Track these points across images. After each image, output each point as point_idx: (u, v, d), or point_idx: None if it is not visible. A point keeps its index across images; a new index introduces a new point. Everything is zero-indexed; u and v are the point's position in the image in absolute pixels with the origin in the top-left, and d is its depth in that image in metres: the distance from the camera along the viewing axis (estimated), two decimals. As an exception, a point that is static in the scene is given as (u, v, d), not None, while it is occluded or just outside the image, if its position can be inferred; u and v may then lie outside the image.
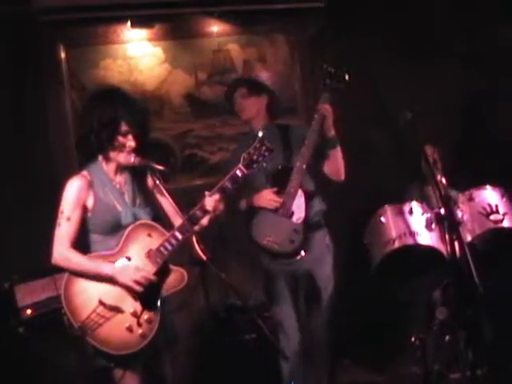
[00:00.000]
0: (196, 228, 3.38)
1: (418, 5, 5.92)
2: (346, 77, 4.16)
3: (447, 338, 4.39)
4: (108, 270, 3.26)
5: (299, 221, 4.18)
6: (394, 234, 4.22)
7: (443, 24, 5.98)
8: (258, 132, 3.81)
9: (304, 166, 4.16)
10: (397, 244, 4.18)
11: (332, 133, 4.21)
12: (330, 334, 4.38)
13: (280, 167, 4.28)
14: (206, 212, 3.38)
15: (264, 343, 4.45)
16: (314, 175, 4.37)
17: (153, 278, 3.29)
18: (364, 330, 5.19)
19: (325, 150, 4.28)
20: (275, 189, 4.25)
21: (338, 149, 4.27)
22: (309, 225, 4.22)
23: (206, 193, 3.39)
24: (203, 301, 4.77)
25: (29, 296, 4.41)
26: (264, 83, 4.55)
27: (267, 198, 4.24)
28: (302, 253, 4.20)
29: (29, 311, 4.37)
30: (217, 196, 3.38)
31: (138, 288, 3.25)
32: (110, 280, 3.26)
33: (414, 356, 4.56)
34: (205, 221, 3.45)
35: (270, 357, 4.46)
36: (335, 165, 4.32)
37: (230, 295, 4.94)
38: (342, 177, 4.36)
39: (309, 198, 4.25)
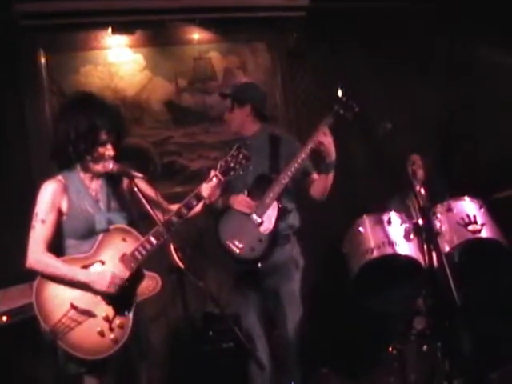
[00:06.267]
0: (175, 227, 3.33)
1: (400, 17, 5.95)
2: (356, 109, 4.20)
3: (425, 348, 4.38)
4: (83, 278, 3.23)
5: (266, 231, 4.15)
6: (372, 243, 4.20)
7: (424, 35, 6.02)
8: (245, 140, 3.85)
9: (285, 181, 4.15)
10: (375, 253, 4.16)
11: (331, 159, 4.15)
12: (298, 348, 4.32)
13: (261, 176, 4.28)
14: (200, 198, 3.39)
15: (241, 352, 4.46)
16: (294, 192, 4.36)
17: (126, 276, 3.26)
18: (342, 339, 5.18)
19: (318, 173, 4.28)
20: (252, 195, 4.24)
21: (331, 175, 4.24)
22: (276, 237, 4.19)
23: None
24: (181, 309, 4.75)
25: (6, 302, 4.35)
26: (244, 93, 4.51)
27: (241, 201, 4.23)
28: (259, 264, 4.19)
29: (4, 318, 4.31)
30: (213, 183, 3.40)
31: (111, 290, 3.23)
32: (84, 287, 3.23)
33: (391, 366, 4.55)
34: (198, 207, 3.45)
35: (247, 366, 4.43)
36: (323, 188, 4.29)
37: (207, 303, 4.91)
38: (325, 198, 4.34)
39: (282, 212, 4.22)
